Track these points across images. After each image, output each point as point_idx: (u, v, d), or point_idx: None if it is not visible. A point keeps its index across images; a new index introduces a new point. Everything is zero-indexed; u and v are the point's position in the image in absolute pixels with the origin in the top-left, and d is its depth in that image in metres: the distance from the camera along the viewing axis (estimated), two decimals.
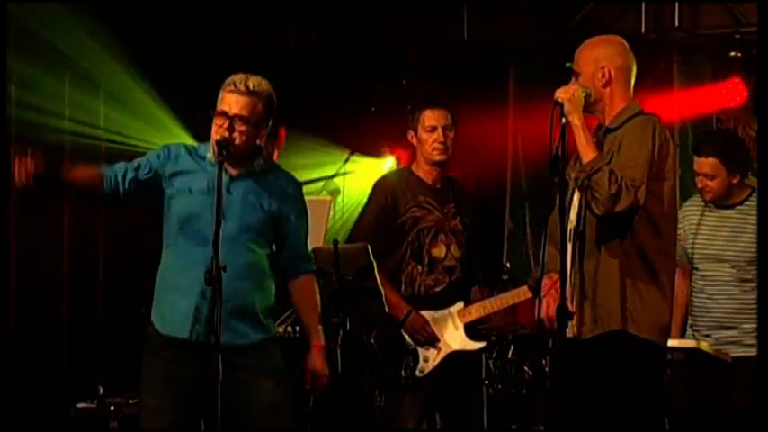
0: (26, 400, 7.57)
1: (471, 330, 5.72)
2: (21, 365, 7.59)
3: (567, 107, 4.54)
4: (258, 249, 4.69)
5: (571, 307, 4.52)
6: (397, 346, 5.64)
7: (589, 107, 4.64)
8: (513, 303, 5.80)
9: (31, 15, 7.45)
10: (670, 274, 4.69)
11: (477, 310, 5.72)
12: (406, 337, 5.64)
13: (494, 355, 6.84)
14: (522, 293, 5.71)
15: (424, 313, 5.66)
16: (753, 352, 5.54)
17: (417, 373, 5.63)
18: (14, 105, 7.65)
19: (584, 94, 4.58)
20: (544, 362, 6.88)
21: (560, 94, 4.57)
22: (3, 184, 7.52)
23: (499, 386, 6.77)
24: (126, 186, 4.71)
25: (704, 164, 5.69)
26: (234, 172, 4.69)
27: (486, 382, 6.43)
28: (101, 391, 6.23)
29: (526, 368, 6.94)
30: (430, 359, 5.64)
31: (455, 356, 5.67)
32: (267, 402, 4.61)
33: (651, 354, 4.60)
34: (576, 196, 4.65)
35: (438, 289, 5.70)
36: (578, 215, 4.62)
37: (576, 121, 4.53)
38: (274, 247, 4.75)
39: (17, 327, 7.64)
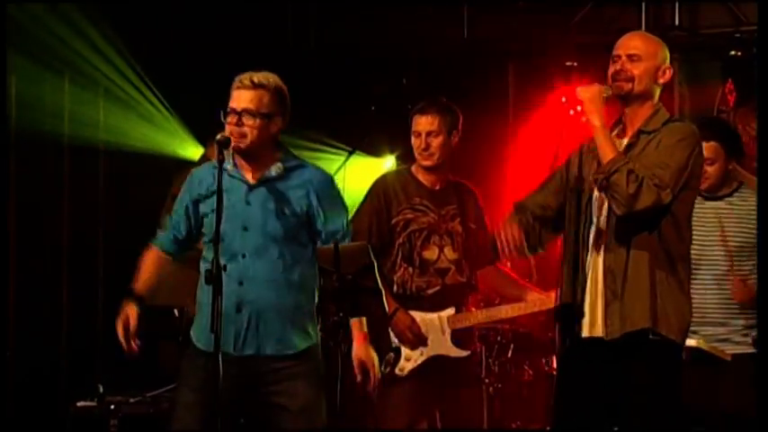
0: (26, 399, 7.57)
1: (459, 337, 5.69)
2: (21, 364, 7.59)
3: (587, 107, 4.52)
4: (291, 256, 4.69)
5: (587, 301, 4.53)
6: (381, 341, 5.64)
7: (626, 91, 4.59)
8: (507, 318, 5.79)
9: (31, 15, 7.46)
10: (687, 277, 4.69)
11: (467, 319, 5.70)
12: (392, 334, 5.64)
13: (494, 354, 6.84)
14: (516, 309, 5.70)
15: (413, 314, 5.64)
16: (743, 349, 5.57)
17: (397, 371, 5.62)
18: (14, 105, 7.66)
19: (605, 95, 4.56)
20: (544, 361, 6.88)
21: (582, 92, 4.55)
22: (2, 183, 7.57)
23: (499, 385, 6.77)
24: (189, 244, 4.85)
25: (705, 148, 5.63)
26: (251, 179, 4.68)
27: (487, 381, 6.45)
28: (101, 389, 6.22)
29: (526, 367, 6.94)
30: (411, 359, 5.63)
31: (439, 361, 5.65)
32: (300, 404, 4.65)
33: (677, 354, 4.62)
34: (597, 194, 4.62)
35: (430, 291, 5.67)
36: (607, 215, 4.59)
37: (595, 121, 4.51)
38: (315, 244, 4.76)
39: (17, 326, 7.64)
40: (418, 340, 5.62)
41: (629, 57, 4.61)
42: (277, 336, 4.66)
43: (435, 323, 5.66)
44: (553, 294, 5.31)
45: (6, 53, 7.21)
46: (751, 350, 5.59)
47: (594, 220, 4.60)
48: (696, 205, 5.58)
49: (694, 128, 4.68)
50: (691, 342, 5.45)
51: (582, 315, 4.55)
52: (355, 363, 4.74)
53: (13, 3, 7.18)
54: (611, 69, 4.62)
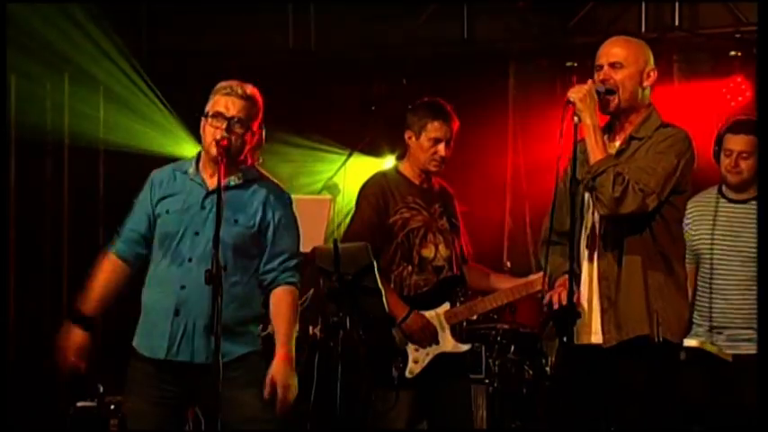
0: (26, 399, 7.56)
1: (457, 332, 5.69)
2: (21, 365, 7.58)
3: (579, 106, 4.51)
4: (236, 266, 4.62)
5: (582, 308, 4.52)
6: (387, 346, 5.63)
7: (613, 107, 4.61)
8: (499, 305, 5.78)
9: (31, 14, 7.46)
10: (685, 278, 4.73)
11: (463, 312, 5.69)
12: (396, 337, 5.64)
13: (494, 354, 6.84)
14: (506, 295, 5.71)
15: None
16: None
17: (407, 374, 5.59)
18: (14, 104, 7.66)
19: (596, 94, 4.56)
20: (545, 361, 6.88)
21: (572, 93, 4.54)
22: (2, 183, 7.57)
23: (500, 385, 6.77)
24: (145, 251, 4.78)
25: (743, 141, 5.60)
26: (211, 185, 4.64)
27: (487, 381, 6.44)
28: (101, 389, 6.22)
29: (526, 367, 6.93)
30: (419, 360, 5.61)
31: (442, 358, 5.65)
32: (248, 414, 4.56)
33: (674, 355, 4.65)
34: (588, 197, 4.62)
35: (426, 289, 5.68)
36: (599, 218, 4.58)
37: (587, 120, 4.52)
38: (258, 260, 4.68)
39: (17, 326, 7.64)
40: (432, 339, 5.63)
41: (611, 65, 4.64)
42: (210, 345, 4.43)
43: (434, 320, 5.66)
44: (535, 277, 5.34)
45: (6, 53, 7.21)
46: None
47: (588, 223, 4.60)
48: (723, 208, 5.61)
49: (685, 133, 4.67)
50: (692, 342, 5.46)
51: (578, 321, 4.54)
52: (267, 380, 4.53)
53: (14, 2, 7.18)
54: (596, 79, 4.64)
